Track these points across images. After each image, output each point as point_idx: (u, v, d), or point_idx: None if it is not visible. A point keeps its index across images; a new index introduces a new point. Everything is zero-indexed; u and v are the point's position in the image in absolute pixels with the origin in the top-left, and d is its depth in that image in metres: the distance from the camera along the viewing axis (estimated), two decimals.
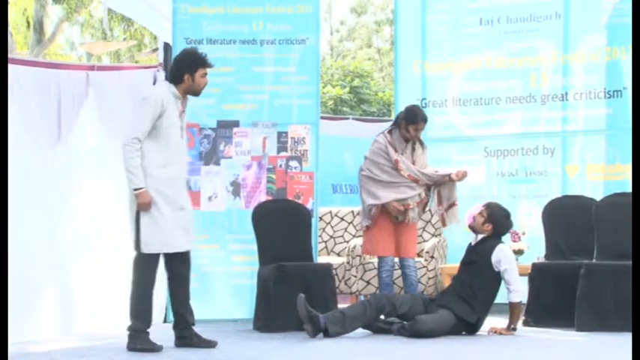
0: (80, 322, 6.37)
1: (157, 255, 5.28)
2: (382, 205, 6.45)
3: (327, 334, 5.69)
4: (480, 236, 6.07)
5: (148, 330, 5.26)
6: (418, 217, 6.65)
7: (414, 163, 6.55)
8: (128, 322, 5.26)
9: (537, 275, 6.60)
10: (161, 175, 5.22)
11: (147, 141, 5.21)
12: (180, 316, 5.44)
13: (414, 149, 6.59)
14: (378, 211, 6.46)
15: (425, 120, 6.52)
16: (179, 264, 5.40)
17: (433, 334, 5.68)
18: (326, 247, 8.28)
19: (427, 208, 6.81)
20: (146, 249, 5.20)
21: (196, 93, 5.47)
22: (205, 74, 5.43)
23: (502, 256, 5.96)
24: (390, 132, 6.61)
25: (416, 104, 6.87)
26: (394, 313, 5.95)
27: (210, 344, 5.39)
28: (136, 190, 5.15)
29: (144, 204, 5.15)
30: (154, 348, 5.17)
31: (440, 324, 5.75)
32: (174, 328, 5.47)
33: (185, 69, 5.38)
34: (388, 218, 6.49)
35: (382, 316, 6.04)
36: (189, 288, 5.49)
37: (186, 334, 5.42)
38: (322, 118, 8.13)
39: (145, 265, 5.24)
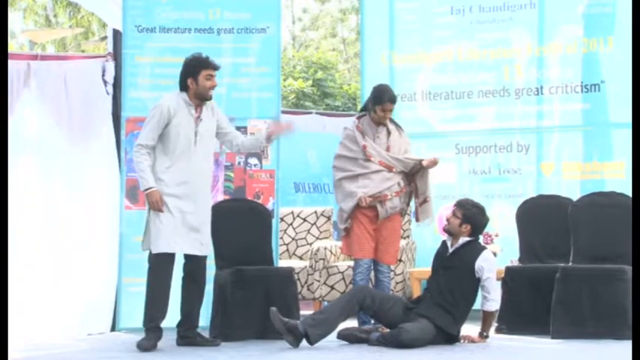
0: (23, 331, 6.26)
1: (167, 255, 5.58)
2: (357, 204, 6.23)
3: (308, 340, 5.57)
4: (462, 240, 5.87)
5: (156, 327, 5.58)
6: (401, 208, 6.36)
7: (388, 148, 6.30)
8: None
9: (511, 279, 6.50)
10: (167, 179, 5.58)
11: (157, 147, 5.62)
12: (186, 317, 5.79)
13: (389, 133, 6.35)
14: (355, 211, 6.20)
15: (392, 100, 6.27)
16: (192, 265, 5.76)
17: (417, 345, 5.54)
18: (287, 250, 8.15)
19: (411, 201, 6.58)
20: (154, 249, 5.57)
21: (205, 97, 5.70)
22: (210, 76, 5.68)
23: (486, 264, 5.81)
24: (359, 118, 6.43)
25: (384, 83, 6.62)
26: (372, 307, 5.81)
27: (213, 343, 5.78)
28: (145, 190, 5.55)
29: (153, 202, 5.54)
30: (142, 346, 5.48)
31: (423, 334, 5.61)
32: (178, 327, 5.81)
33: (188, 73, 5.68)
34: (368, 217, 6.25)
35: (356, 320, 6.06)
36: (202, 291, 5.85)
37: (189, 334, 5.78)
38: (284, 112, 8.08)
39: (155, 264, 5.60)
